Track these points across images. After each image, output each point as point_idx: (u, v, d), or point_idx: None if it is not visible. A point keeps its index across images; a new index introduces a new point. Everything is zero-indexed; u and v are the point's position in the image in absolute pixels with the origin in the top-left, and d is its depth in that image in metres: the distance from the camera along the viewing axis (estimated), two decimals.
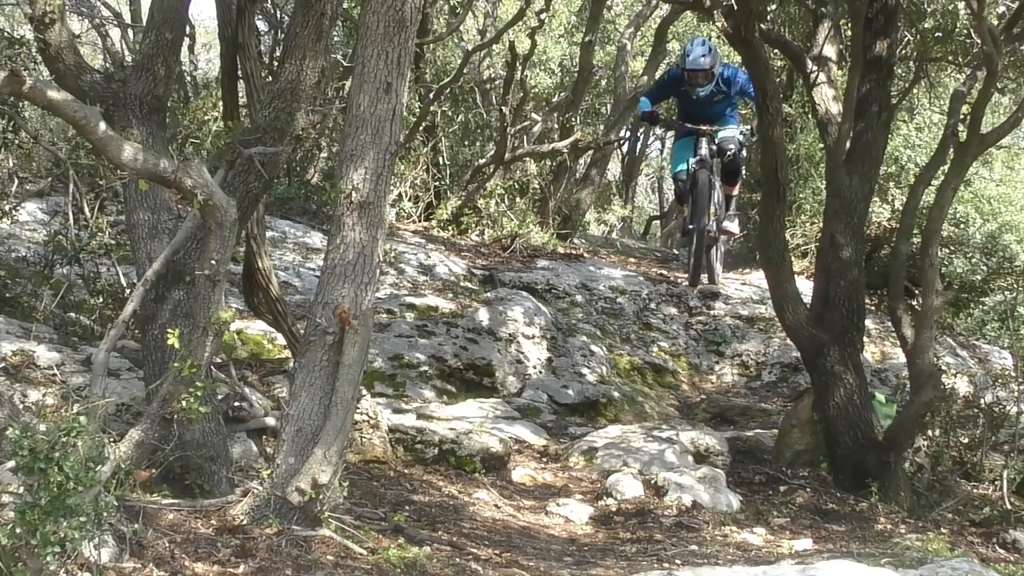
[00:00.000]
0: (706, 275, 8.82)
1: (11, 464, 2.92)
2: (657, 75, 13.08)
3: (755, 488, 5.78)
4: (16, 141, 6.34)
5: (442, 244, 10.63)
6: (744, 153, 8.83)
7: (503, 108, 11.96)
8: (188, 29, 12.73)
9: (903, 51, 7.74)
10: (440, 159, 12.87)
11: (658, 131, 15.12)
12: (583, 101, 13.96)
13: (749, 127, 8.33)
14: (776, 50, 7.72)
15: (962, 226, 9.75)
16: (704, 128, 8.25)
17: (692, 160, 8.19)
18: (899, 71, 8.16)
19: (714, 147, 8.29)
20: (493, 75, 13.79)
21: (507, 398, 7.12)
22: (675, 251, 10.27)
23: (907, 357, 6.07)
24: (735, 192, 8.80)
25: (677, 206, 9.37)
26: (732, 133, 8.39)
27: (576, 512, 5.12)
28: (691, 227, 8.25)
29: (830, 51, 6.87)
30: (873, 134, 6.19)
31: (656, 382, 8.29)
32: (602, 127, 13.73)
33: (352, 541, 3.62)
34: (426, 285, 9.01)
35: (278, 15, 12.15)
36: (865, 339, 7.26)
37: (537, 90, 14.54)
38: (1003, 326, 9.82)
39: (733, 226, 8.82)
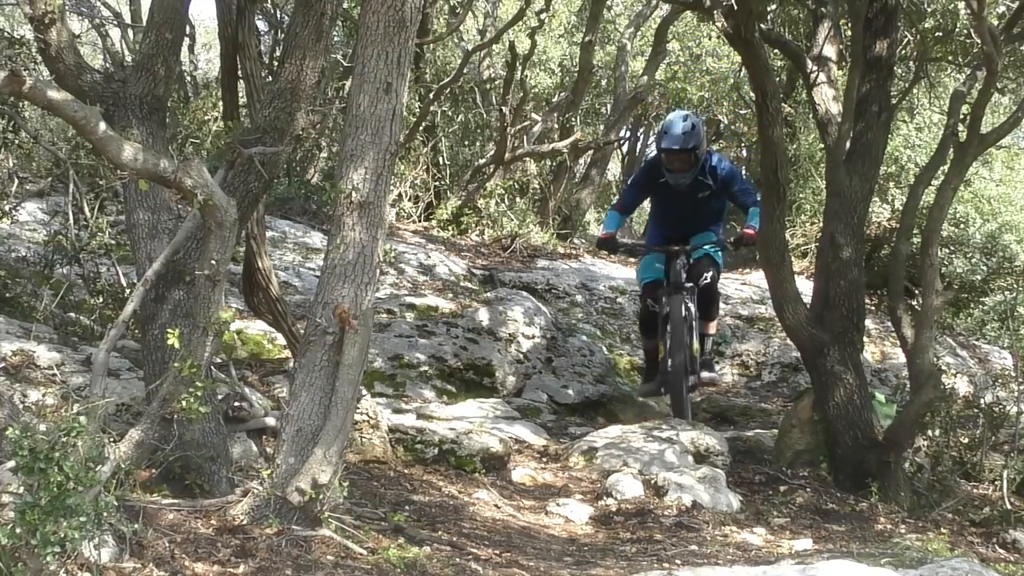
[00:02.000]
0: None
1: (11, 464, 2.92)
2: (657, 75, 13.12)
3: (755, 488, 5.78)
4: (16, 141, 6.35)
5: (442, 244, 10.64)
6: (720, 276, 7.05)
7: (503, 108, 11.97)
8: (188, 29, 12.74)
9: (903, 51, 7.74)
10: (440, 159, 12.88)
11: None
12: (583, 101, 13.97)
13: (729, 239, 6.88)
14: (776, 50, 7.69)
15: (962, 226, 9.76)
16: (676, 248, 6.62)
17: (672, 283, 6.55)
18: (899, 71, 8.14)
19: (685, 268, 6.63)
20: (493, 75, 13.80)
21: (507, 398, 7.12)
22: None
23: (907, 357, 6.07)
24: (712, 331, 7.00)
25: (644, 340, 7.08)
26: (707, 249, 6.72)
27: (576, 512, 5.12)
28: (668, 367, 6.43)
29: (830, 51, 6.86)
30: (873, 134, 6.19)
31: None
32: (602, 127, 13.74)
33: (352, 541, 3.62)
34: (426, 285, 9.01)
35: (278, 15, 12.16)
36: (865, 339, 7.26)
37: (537, 90, 14.55)
38: (1003, 326, 9.82)
39: (711, 376, 6.94)
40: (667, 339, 6.48)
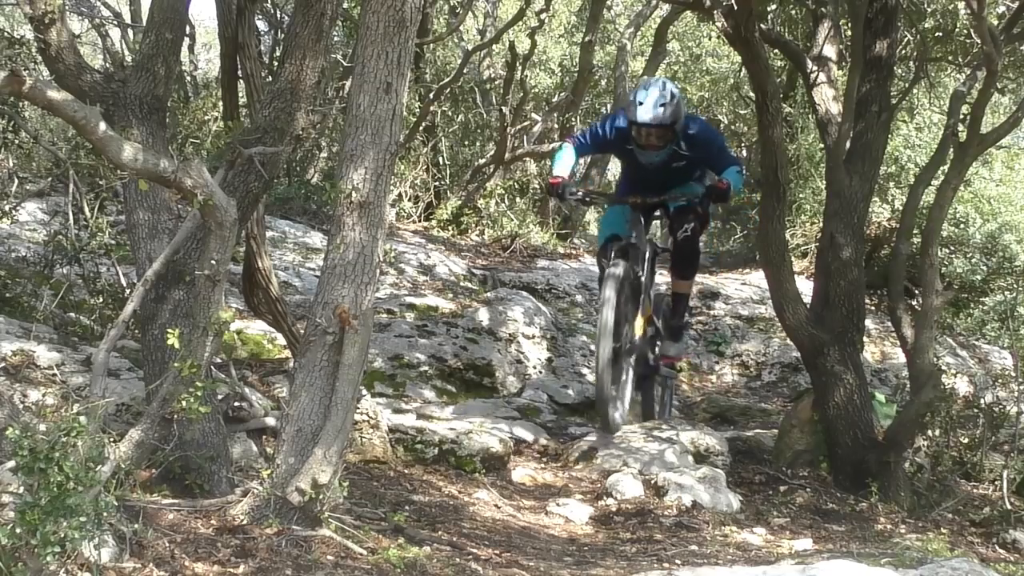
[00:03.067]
0: (618, 414, 5.79)
1: (11, 464, 2.92)
2: (658, 75, 13.11)
3: (755, 488, 5.78)
4: (16, 141, 6.35)
5: (442, 244, 10.64)
6: (703, 229, 6.11)
7: (503, 108, 11.98)
8: (188, 29, 12.73)
9: (903, 51, 7.74)
10: (440, 159, 12.88)
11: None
12: (583, 101, 13.96)
13: (737, 170, 5.83)
14: (776, 50, 7.68)
15: (962, 226, 9.76)
16: (639, 200, 5.84)
17: (620, 242, 5.75)
18: (899, 71, 8.14)
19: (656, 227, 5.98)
20: (493, 75, 13.80)
21: (507, 398, 7.12)
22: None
23: (907, 357, 6.07)
24: (689, 290, 6.20)
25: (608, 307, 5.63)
26: (690, 196, 5.93)
27: (576, 512, 5.12)
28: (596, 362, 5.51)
29: (830, 51, 6.86)
30: (873, 134, 6.19)
31: None
32: None
33: (352, 541, 3.62)
34: (426, 285, 9.01)
35: (278, 15, 12.16)
36: (865, 339, 7.26)
37: (537, 90, 14.55)
38: (1003, 326, 9.82)
39: (677, 348, 6.15)
40: (603, 309, 5.47)
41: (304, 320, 4.47)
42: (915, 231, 6.96)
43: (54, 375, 4.98)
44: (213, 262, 3.67)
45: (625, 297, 5.62)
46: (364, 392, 5.57)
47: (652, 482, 5.44)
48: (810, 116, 9.34)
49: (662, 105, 5.53)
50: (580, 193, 6.10)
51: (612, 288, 5.42)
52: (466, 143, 13.76)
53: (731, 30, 5.87)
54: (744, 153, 14.10)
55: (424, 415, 6.26)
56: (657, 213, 6.18)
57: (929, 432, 6.03)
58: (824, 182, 6.88)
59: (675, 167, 5.84)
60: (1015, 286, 9.67)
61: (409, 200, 12.05)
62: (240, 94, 5.53)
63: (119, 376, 5.09)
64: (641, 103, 5.56)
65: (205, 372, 3.69)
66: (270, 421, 4.96)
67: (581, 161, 6.53)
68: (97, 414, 3.14)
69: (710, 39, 13.52)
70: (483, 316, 7.82)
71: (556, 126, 13.31)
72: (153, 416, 3.65)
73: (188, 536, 3.42)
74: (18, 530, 2.65)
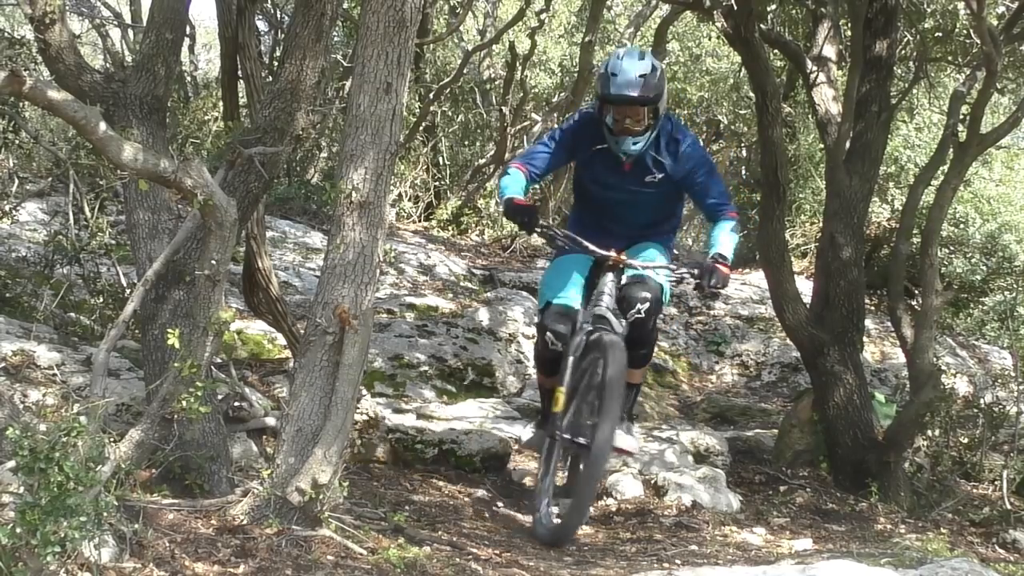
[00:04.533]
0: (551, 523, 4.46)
1: (11, 464, 2.92)
2: None
3: (755, 488, 5.79)
4: (16, 141, 6.35)
5: (442, 244, 10.64)
6: (660, 311, 4.76)
7: (503, 108, 11.98)
8: (188, 29, 12.73)
9: (903, 51, 7.74)
10: (440, 159, 12.89)
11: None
12: (583, 101, 13.96)
13: (685, 271, 4.65)
14: (776, 50, 7.69)
15: (962, 226, 9.76)
16: (614, 256, 4.58)
17: (592, 308, 4.55)
18: (899, 71, 8.13)
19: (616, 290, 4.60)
20: (493, 75, 13.80)
21: (507, 398, 7.12)
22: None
23: (907, 357, 6.07)
24: (641, 380, 5.06)
25: (540, 375, 5.04)
26: (653, 267, 4.66)
27: None
28: (592, 446, 4.27)
29: (830, 51, 6.86)
30: (873, 134, 6.19)
31: (656, 382, 8.28)
32: None
33: (352, 541, 3.62)
34: (426, 285, 9.02)
35: (278, 15, 12.16)
36: (865, 339, 7.26)
37: (537, 90, 14.54)
38: (1003, 326, 9.82)
39: (631, 440, 4.74)
40: (586, 399, 4.48)
41: (304, 320, 4.46)
42: (915, 231, 6.96)
43: (54, 375, 4.98)
44: (213, 262, 3.67)
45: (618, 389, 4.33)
46: (364, 392, 5.57)
47: (652, 482, 5.44)
48: (810, 116, 9.33)
49: (642, 76, 4.45)
50: (552, 229, 4.76)
51: (617, 366, 4.29)
52: (466, 143, 13.76)
53: (731, 30, 5.88)
54: (744, 153, 14.10)
55: (424, 415, 6.27)
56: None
57: (929, 432, 6.03)
58: (824, 182, 6.88)
59: (647, 181, 4.67)
60: (1015, 286, 9.67)
61: (409, 200, 12.05)
62: (240, 94, 5.54)
63: (119, 376, 5.09)
64: (615, 75, 4.48)
65: (205, 372, 3.69)
66: (270, 421, 4.96)
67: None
68: (97, 414, 3.14)
69: (710, 39, 13.50)
70: (483, 316, 7.82)
71: (556, 126, 13.30)
72: (153, 416, 3.65)
73: (188, 536, 3.42)
74: (18, 530, 2.65)
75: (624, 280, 4.63)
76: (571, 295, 4.67)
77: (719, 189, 4.74)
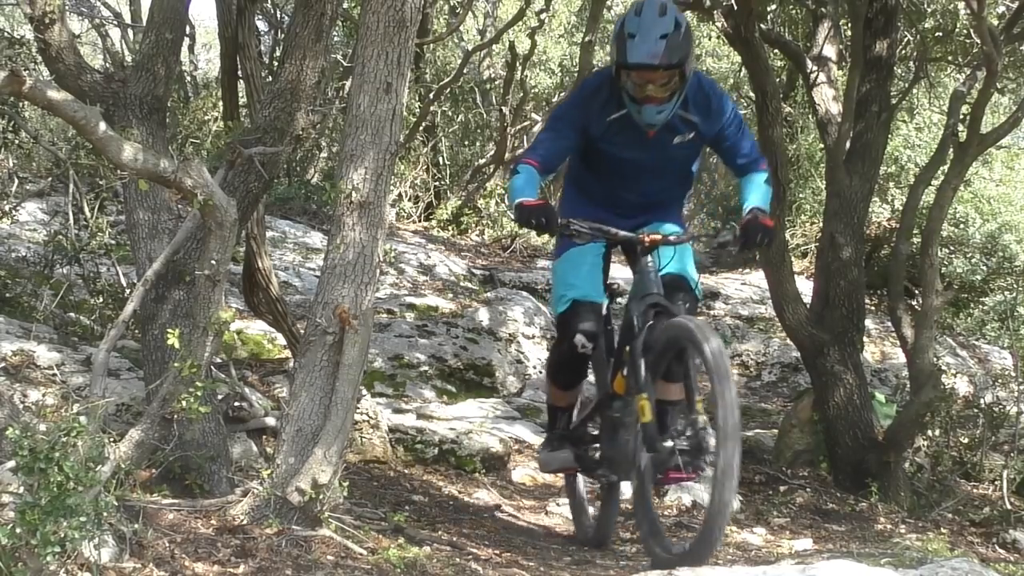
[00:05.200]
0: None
1: (11, 464, 2.91)
2: None
3: (755, 488, 5.78)
4: (16, 141, 6.35)
5: (442, 244, 10.65)
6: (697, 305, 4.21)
7: (503, 108, 11.98)
8: (188, 29, 12.73)
9: (903, 51, 7.74)
10: (440, 159, 12.89)
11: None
12: None
13: (724, 236, 4.10)
14: (776, 50, 7.69)
15: (962, 226, 9.76)
16: (649, 238, 3.92)
17: (644, 299, 3.86)
18: (899, 71, 8.13)
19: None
20: (493, 75, 13.80)
21: (507, 398, 7.12)
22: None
23: (907, 357, 6.07)
24: (676, 398, 4.09)
25: (554, 389, 4.47)
26: (688, 239, 4.17)
27: None
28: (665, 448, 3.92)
29: (830, 51, 6.87)
30: (873, 134, 6.19)
31: None
32: None
33: (352, 541, 3.62)
34: (426, 285, 9.02)
35: (278, 15, 12.16)
36: (865, 339, 7.26)
37: (537, 90, 14.54)
38: (1003, 326, 9.82)
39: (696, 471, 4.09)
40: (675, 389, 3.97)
41: (304, 320, 4.46)
42: (915, 231, 6.96)
43: (54, 375, 4.98)
44: (213, 262, 3.67)
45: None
46: (364, 392, 5.57)
47: None
48: (810, 116, 9.34)
49: (663, 36, 3.75)
50: (584, 226, 3.92)
51: (715, 347, 3.86)
52: (466, 143, 13.76)
53: (731, 30, 5.88)
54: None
55: (424, 415, 6.26)
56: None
57: (929, 432, 6.04)
58: (824, 182, 6.88)
59: (676, 144, 4.04)
60: (1015, 286, 9.67)
61: (409, 200, 12.06)
62: (240, 94, 5.54)
63: (119, 376, 5.09)
64: (633, 35, 3.76)
65: (205, 372, 3.69)
66: (270, 421, 4.96)
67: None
68: (97, 414, 3.14)
69: (710, 39, 13.51)
70: (483, 316, 7.82)
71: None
72: (153, 416, 3.65)
73: (188, 536, 3.42)
74: (18, 530, 2.65)
75: (661, 266, 3.96)
76: (596, 290, 4.11)
77: (751, 143, 4.16)
